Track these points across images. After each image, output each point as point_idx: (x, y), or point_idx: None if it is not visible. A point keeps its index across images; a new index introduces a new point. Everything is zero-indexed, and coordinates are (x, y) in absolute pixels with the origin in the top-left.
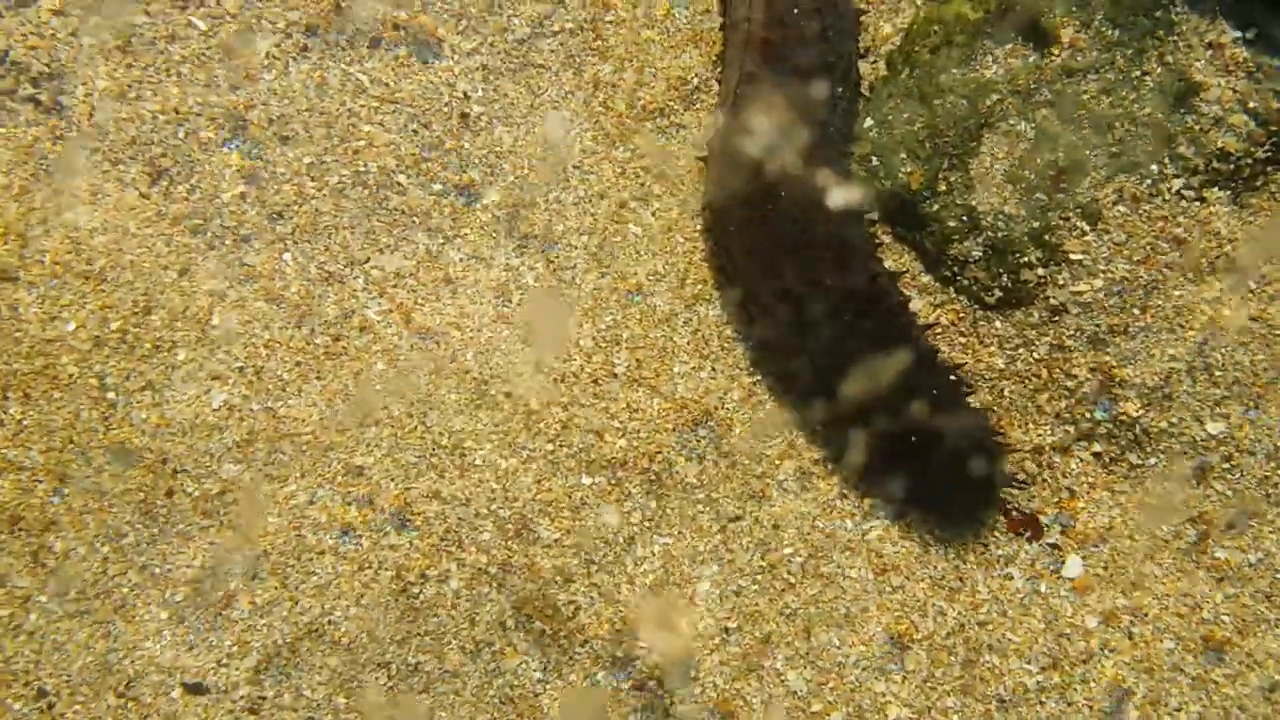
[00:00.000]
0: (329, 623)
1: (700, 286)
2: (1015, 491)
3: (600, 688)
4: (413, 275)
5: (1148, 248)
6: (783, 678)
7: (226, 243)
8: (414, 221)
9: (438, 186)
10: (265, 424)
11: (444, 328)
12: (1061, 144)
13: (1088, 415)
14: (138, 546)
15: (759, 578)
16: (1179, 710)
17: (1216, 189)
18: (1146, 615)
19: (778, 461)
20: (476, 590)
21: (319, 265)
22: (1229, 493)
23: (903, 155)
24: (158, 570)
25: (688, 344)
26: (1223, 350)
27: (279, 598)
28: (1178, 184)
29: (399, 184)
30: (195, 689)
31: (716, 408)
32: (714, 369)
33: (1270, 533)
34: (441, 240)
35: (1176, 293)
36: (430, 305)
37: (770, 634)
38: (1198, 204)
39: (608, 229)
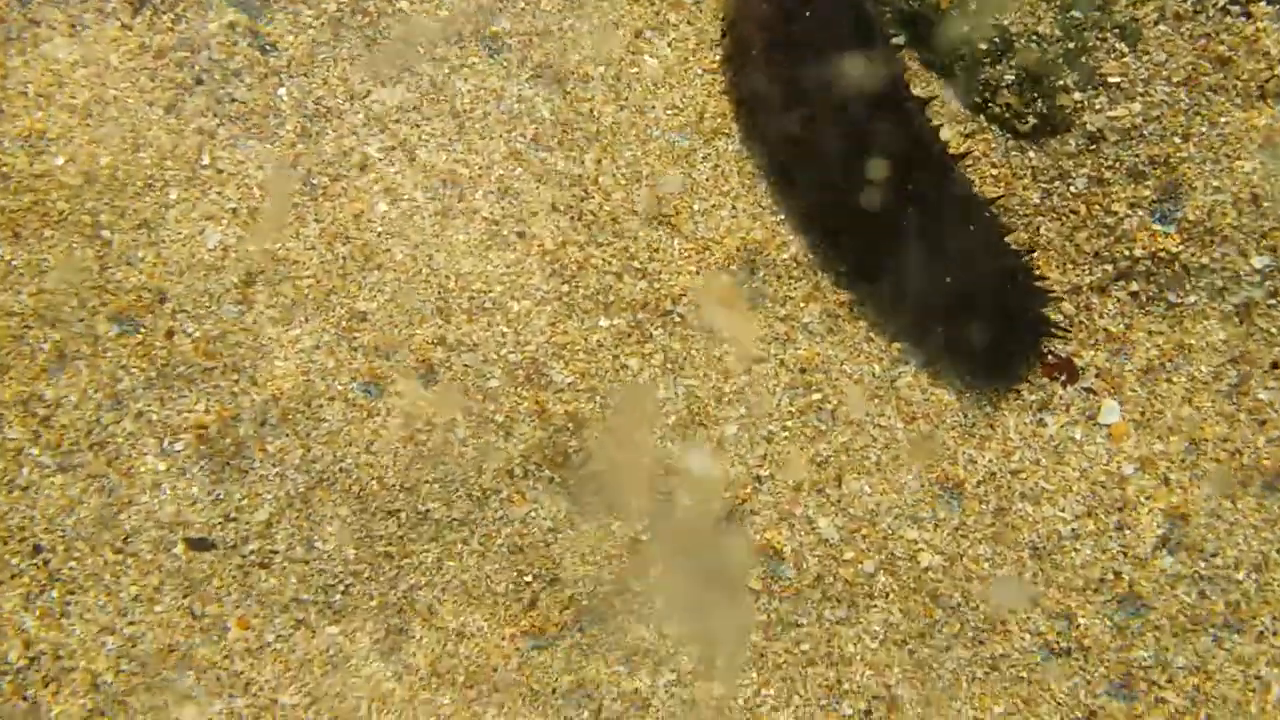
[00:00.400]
0: (340, 470)
1: (719, 120)
2: (1052, 334)
3: (615, 537)
4: (416, 109)
5: (1189, 69)
6: (814, 526)
7: (215, 77)
8: (418, 51)
9: (444, 12)
10: (264, 266)
11: (451, 165)
12: None
13: (1126, 253)
14: (133, 392)
15: (788, 424)
16: (1215, 555)
17: (1264, 3)
18: (1184, 461)
19: (803, 303)
20: (483, 438)
21: (316, 100)
22: (1274, 330)
23: None
24: (155, 418)
25: (707, 180)
26: (1273, 179)
27: (290, 445)
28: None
29: (402, 10)
30: (200, 544)
31: (739, 248)
32: (735, 207)
33: None
34: (448, 70)
35: (1222, 119)
36: (436, 141)
37: (802, 481)
38: (1244, 20)
39: (624, 60)
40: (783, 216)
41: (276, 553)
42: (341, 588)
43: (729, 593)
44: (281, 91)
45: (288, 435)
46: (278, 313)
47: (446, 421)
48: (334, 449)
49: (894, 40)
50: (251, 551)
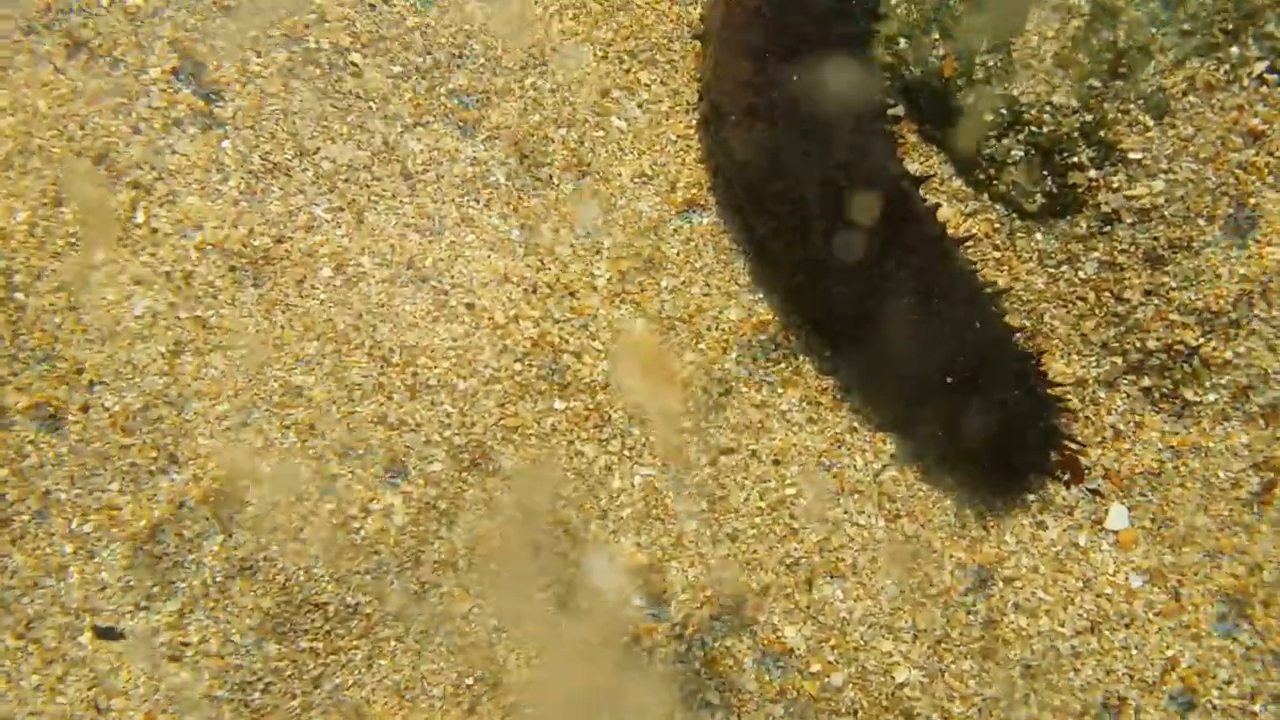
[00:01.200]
0: (264, 559)
1: (694, 190)
2: (1057, 431)
3: (564, 639)
4: (367, 169)
5: (1218, 143)
6: (779, 634)
7: (155, 127)
8: (370, 108)
9: (398, 68)
10: (195, 335)
11: (400, 229)
12: (1123, 20)
13: (1138, 345)
14: (41, 469)
15: (756, 520)
16: (1229, 684)
17: None
18: (1197, 575)
19: (780, 390)
20: (423, 527)
21: (262, 155)
22: None
23: (935, 36)
24: (64, 497)
25: (678, 255)
26: None
27: (209, 530)
28: (1260, 67)
29: (354, 64)
30: (108, 633)
31: (710, 328)
32: (708, 284)
33: None
34: (400, 129)
35: (1252, 200)
36: (386, 203)
37: (768, 585)
38: None
39: (588, 122)
40: (761, 295)
41: (189, 645)
42: (261, 685)
43: (684, 706)
44: (226, 144)
45: (207, 519)
46: (205, 385)
47: (383, 507)
48: (258, 535)
49: (891, 111)
50: (163, 643)
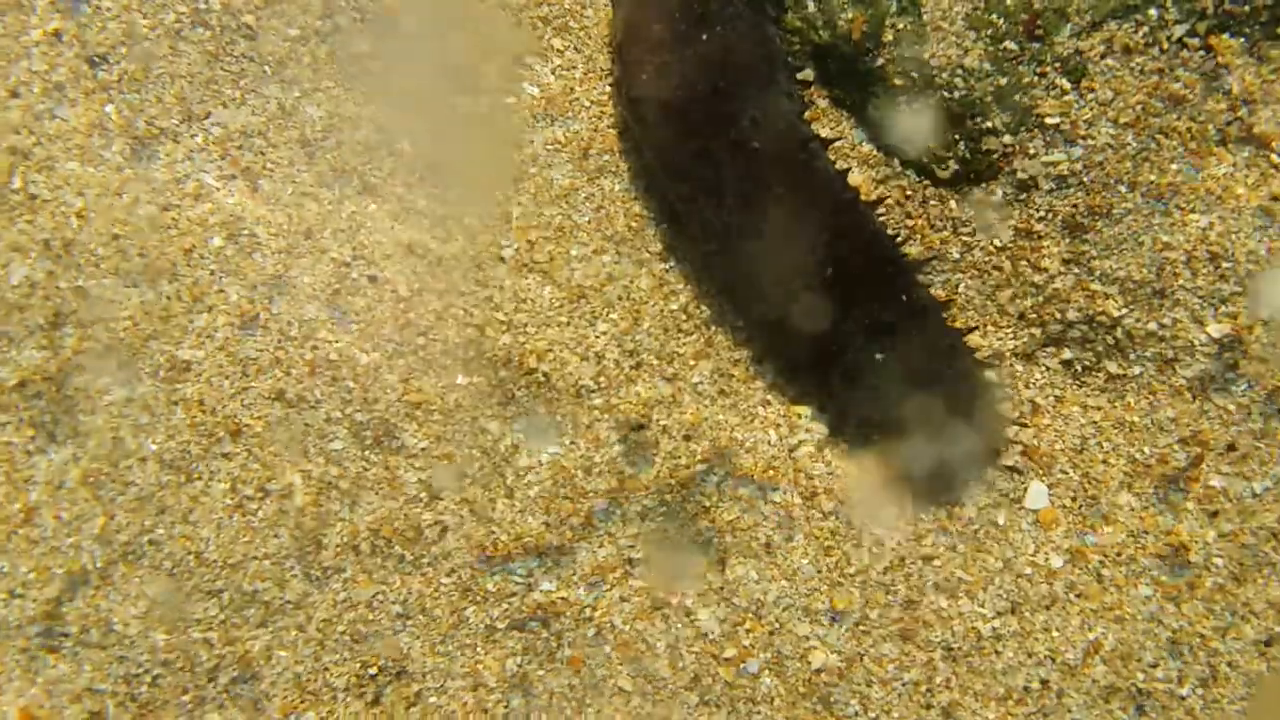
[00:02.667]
0: (150, 542)
1: (606, 158)
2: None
3: (470, 625)
4: (262, 135)
5: (1138, 109)
6: (693, 617)
7: (34, 90)
8: (265, 72)
9: (295, 31)
10: (75, 306)
11: (297, 198)
12: None
13: (1058, 316)
14: None
15: (667, 499)
16: (1154, 666)
17: (1228, 36)
18: (1121, 555)
19: (692, 361)
20: (325, 508)
21: (149, 120)
22: (1232, 408)
23: None
24: None
25: (588, 222)
26: (1233, 237)
27: (90, 512)
28: (1180, 30)
29: (248, 26)
30: None
31: (621, 298)
32: (619, 252)
33: None
34: (298, 94)
35: (1174, 165)
36: (282, 171)
37: (680, 566)
38: (1203, 54)
39: (499, 88)
40: (673, 264)
41: (68, 635)
42: (148, 678)
43: (594, 692)
44: (109, 109)
45: (87, 500)
46: (87, 360)
47: (281, 488)
48: (143, 518)
49: (801, 75)
50: (38, 633)
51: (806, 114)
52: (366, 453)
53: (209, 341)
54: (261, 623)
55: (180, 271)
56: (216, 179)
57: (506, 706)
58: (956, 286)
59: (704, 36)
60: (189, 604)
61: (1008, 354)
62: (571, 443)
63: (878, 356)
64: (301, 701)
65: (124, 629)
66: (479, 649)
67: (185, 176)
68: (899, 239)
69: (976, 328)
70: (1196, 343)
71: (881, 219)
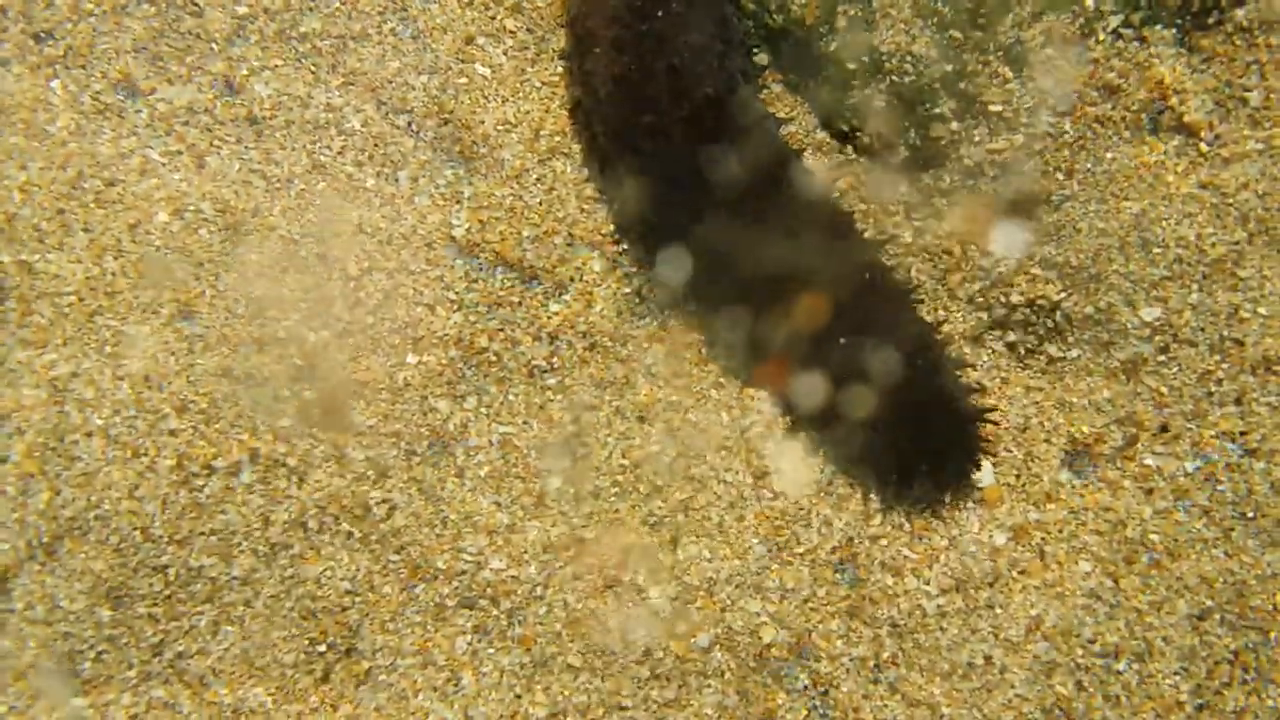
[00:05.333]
0: (96, 517)
1: (557, 138)
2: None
3: (419, 602)
4: (208, 112)
5: (1075, 97)
6: (644, 594)
7: None
8: (212, 49)
9: (243, 9)
10: (19, 281)
11: (245, 175)
12: None
13: (1003, 300)
14: None
15: (619, 478)
16: (1093, 641)
17: (1160, 27)
18: (1062, 532)
19: (645, 343)
20: (272, 485)
21: (93, 95)
22: (1164, 390)
23: None
24: None
25: (540, 204)
26: (1164, 223)
27: (35, 487)
28: (1115, 21)
29: (194, 3)
30: None
31: (573, 279)
32: (571, 235)
33: (1212, 437)
34: (246, 72)
35: (1109, 154)
36: (229, 148)
37: (631, 545)
38: (1137, 45)
39: (451, 68)
40: (626, 245)
41: (12, 611)
42: (92, 654)
43: (544, 669)
44: (54, 84)
45: (33, 475)
46: (31, 334)
47: (229, 465)
48: (89, 492)
49: (756, 57)
50: None
51: (761, 96)
52: (314, 430)
53: (154, 318)
54: (208, 598)
55: (125, 247)
56: (162, 155)
57: (457, 685)
58: (909, 270)
59: (660, 14)
60: (135, 579)
61: (956, 337)
62: (524, 422)
63: (841, 341)
64: (249, 677)
65: (69, 604)
66: (429, 626)
67: (130, 152)
68: (854, 220)
69: (945, 320)
70: (1130, 325)
71: (837, 200)
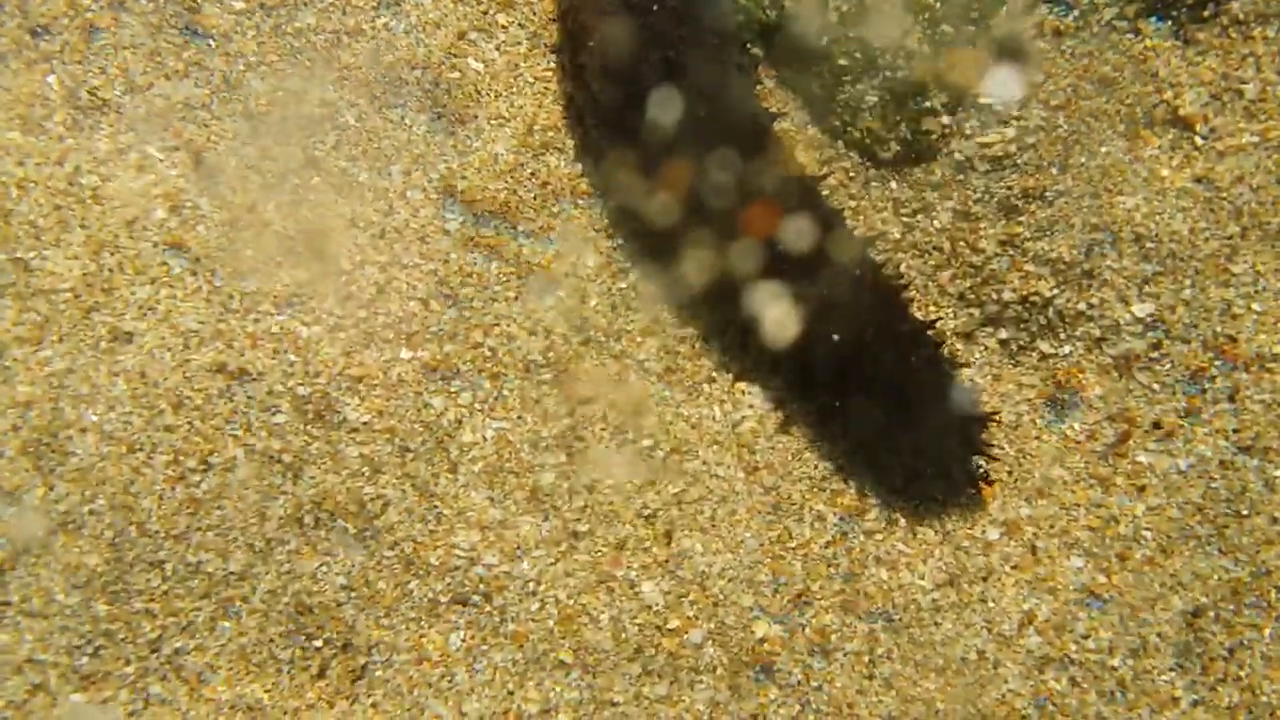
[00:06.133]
0: (91, 513)
1: (550, 133)
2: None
3: (413, 599)
4: (206, 107)
5: (1069, 91)
6: (637, 589)
7: None
8: (210, 45)
9: (240, 4)
10: (15, 278)
11: (241, 171)
12: None
13: (995, 296)
14: None
15: (612, 474)
16: (1086, 637)
17: (1155, 20)
18: (1054, 528)
19: (639, 338)
20: (267, 481)
21: (91, 91)
22: (1156, 386)
23: None
24: None
25: (534, 198)
26: (1158, 218)
27: (30, 482)
28: (1109, 13)
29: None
30: None
31: (567, 275)
32: (565, 229)
33: (1205, 434)
34: (243, 67)
35: (1103, 148)
36: (226, 144)
37: (625, 539)
38: (1131, 37)
39: (444, 63)
40: (620, 241)
41: (9, 604)
42: (90, 649)
43: (536, 666)
44: (51, 79)
45: (28, 470)
46: (26, 330)
47: (224, 460)
48: (84, 488)
49: (751, 51)
50: None
51: (754, 90)
52: (309, 426)
53: (150, 314)
54: (205, 594)
55: (123, 243)
56: (159, 150)
57: (451, 681)
58: (899, 266)
59: (655, 7)
60: (131, 575)
61: (948, 334)
62: (519, 417)
63: (834, 338)
64: (246, 673)
65: (65, 599)
66: (423, 623)
67: (128, 148)
68: (844, 216)
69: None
70: (1122, 322)
71: (826, 197)
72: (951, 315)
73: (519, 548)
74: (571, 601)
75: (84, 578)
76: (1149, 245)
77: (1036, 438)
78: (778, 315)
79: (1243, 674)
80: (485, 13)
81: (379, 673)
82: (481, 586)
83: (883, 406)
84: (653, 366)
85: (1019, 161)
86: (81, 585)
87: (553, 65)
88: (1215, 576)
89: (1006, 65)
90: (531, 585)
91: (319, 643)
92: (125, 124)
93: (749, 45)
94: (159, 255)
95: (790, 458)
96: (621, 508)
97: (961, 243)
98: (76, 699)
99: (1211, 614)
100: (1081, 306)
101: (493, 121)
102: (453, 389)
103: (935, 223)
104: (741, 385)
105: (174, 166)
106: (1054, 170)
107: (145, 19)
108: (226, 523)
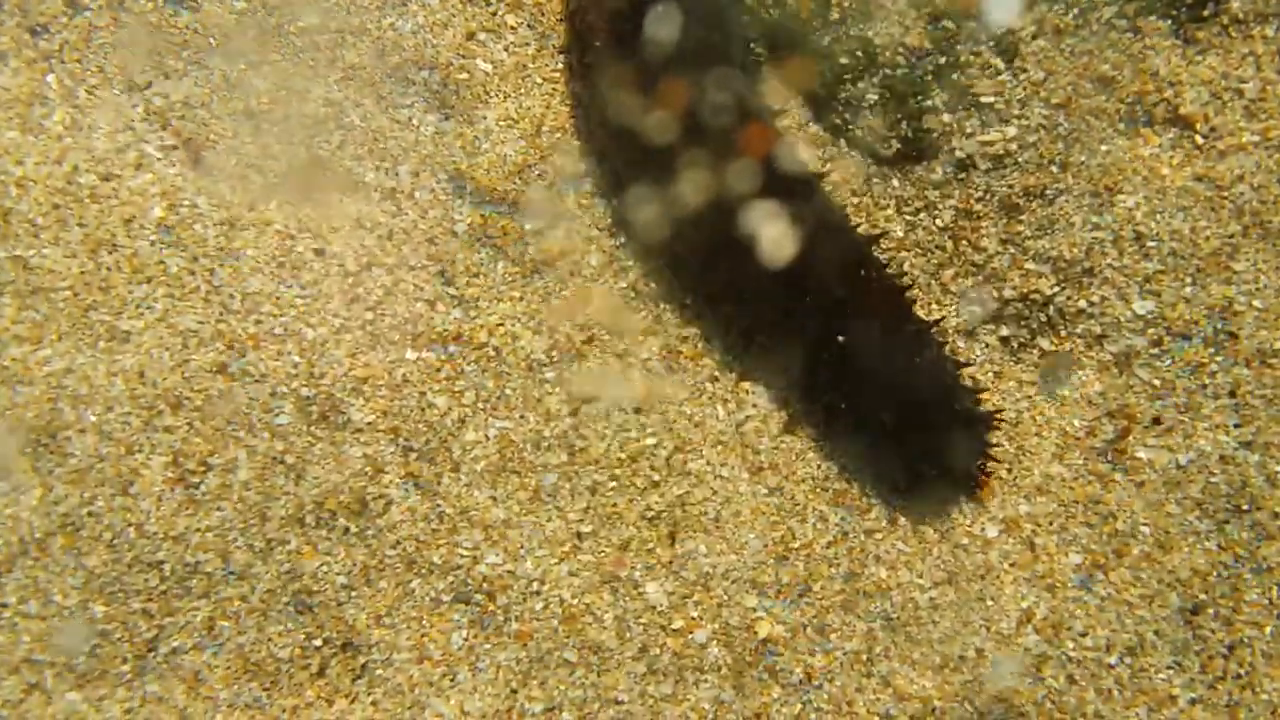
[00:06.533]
0: (89, 514)
1: (558, 135)
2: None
3: (415, 597)
4: (205, 106)
5: (1069, 89)
6: (641, 590)
7: None
8: (210, 43)
9: (240, 3)
10: (14, 275)
11: (241, 170)
12: None
13: (996, 294)
14: None
15: (617, 473)
16: (1084, 635)
17: (1155, 18)
18: (1052, 525)
19: (641, 338)
20: (269, 482)
21: (90, 89)
22: (1157, 382)
23: None
24: None
25: (541, 198)
26: (1158, 217)
27: (27, 483)
28: (1109, 12)
29: None
30: None
31: (571, 274)
32: (571, 229)
33: (1205, 430)
34: (243, 66)
35: (1103, 147)
36: (226, 143)
37: (629, 540)
38: (1131, 36)
39: (452, 64)
40: (623, 240)
41: (6, 606)
42: (86, 648)
43: (540, 665)
44: (50, 78)
45: (25, 471)
46: (25, 330)
47: (225, 461)
48: (82, 489)
49: (754, 49)
50: None
51: (757, 89)
52: (312, 427)
53: (149, 313)
54: (204, 594)
55: (120, 242)
56: (157, 149)
57: (453, 680)
58: (902, 265)
59: (659, 8)
60: (129, 575)
61: (950, 331)
62: (521, 416)
63: (840, 338)
64: (245, 672)
65: (62, 600)
66: (425, 621)
67: (126, 146)
68: (848, 214)
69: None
70: (1122, 319)
71: (830, 194)
72: (955, 312)
73: (522, 547)
74: (575, 601)
75: (82, 579)
76: (1150, 243)
77: (1036, 434)
78: (774, 234)
79: (1242, 672)
80: (494, 14)
81: (380, 672)
82: (485, 586)
83: (885, 405)
84: (655, 365)
85: (1020, 160)
86: (80, 587)
87: (561, 66)
88: (1215, 573)
89: None
90: (535, 585)
91: (319, 642)
92: (124, 122)
93: (754, 43)
94: (157, 254)
95: (794, 458)
96: (625, 509)
97: (964, 241)
98: (73, 697)
99: (1210, 611)
100: (1082, 304)
101: (501, 122)
102: (456, 388)
103: (938, 221)
104: (745, 385)
105: (172, 165)
106: (1054, 169)
107: (145, 19)
108: (226, 523)
